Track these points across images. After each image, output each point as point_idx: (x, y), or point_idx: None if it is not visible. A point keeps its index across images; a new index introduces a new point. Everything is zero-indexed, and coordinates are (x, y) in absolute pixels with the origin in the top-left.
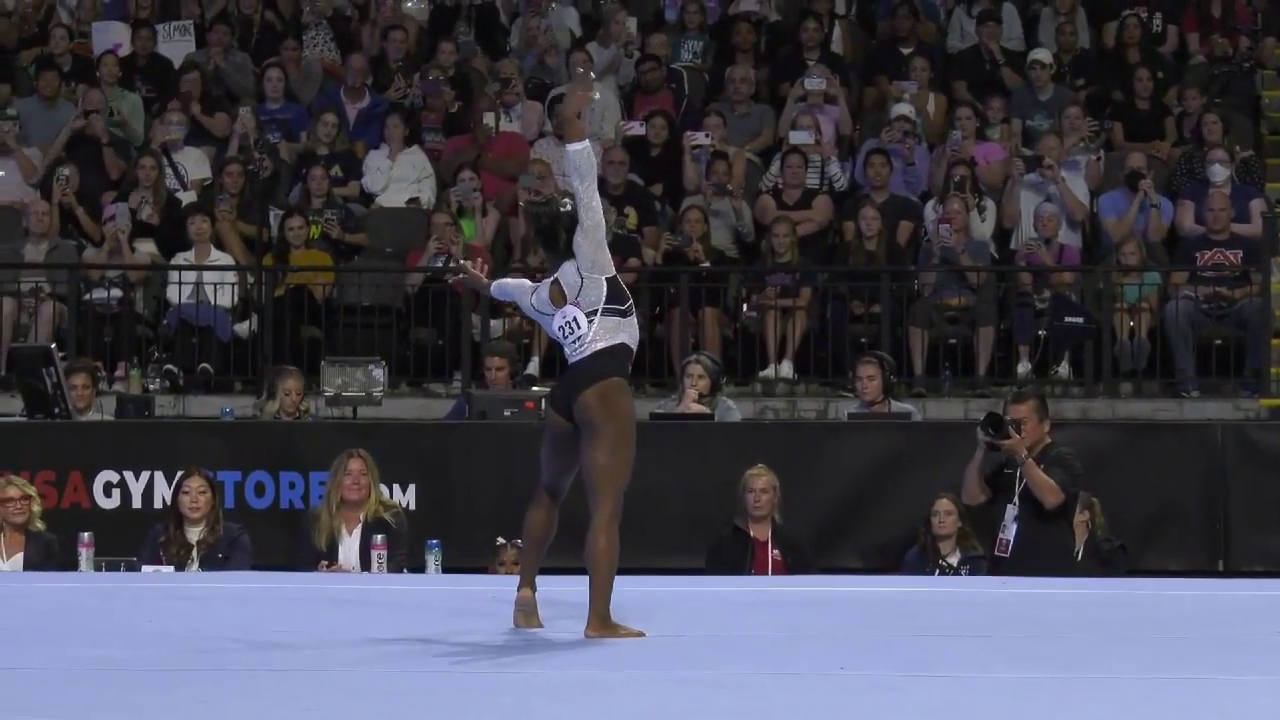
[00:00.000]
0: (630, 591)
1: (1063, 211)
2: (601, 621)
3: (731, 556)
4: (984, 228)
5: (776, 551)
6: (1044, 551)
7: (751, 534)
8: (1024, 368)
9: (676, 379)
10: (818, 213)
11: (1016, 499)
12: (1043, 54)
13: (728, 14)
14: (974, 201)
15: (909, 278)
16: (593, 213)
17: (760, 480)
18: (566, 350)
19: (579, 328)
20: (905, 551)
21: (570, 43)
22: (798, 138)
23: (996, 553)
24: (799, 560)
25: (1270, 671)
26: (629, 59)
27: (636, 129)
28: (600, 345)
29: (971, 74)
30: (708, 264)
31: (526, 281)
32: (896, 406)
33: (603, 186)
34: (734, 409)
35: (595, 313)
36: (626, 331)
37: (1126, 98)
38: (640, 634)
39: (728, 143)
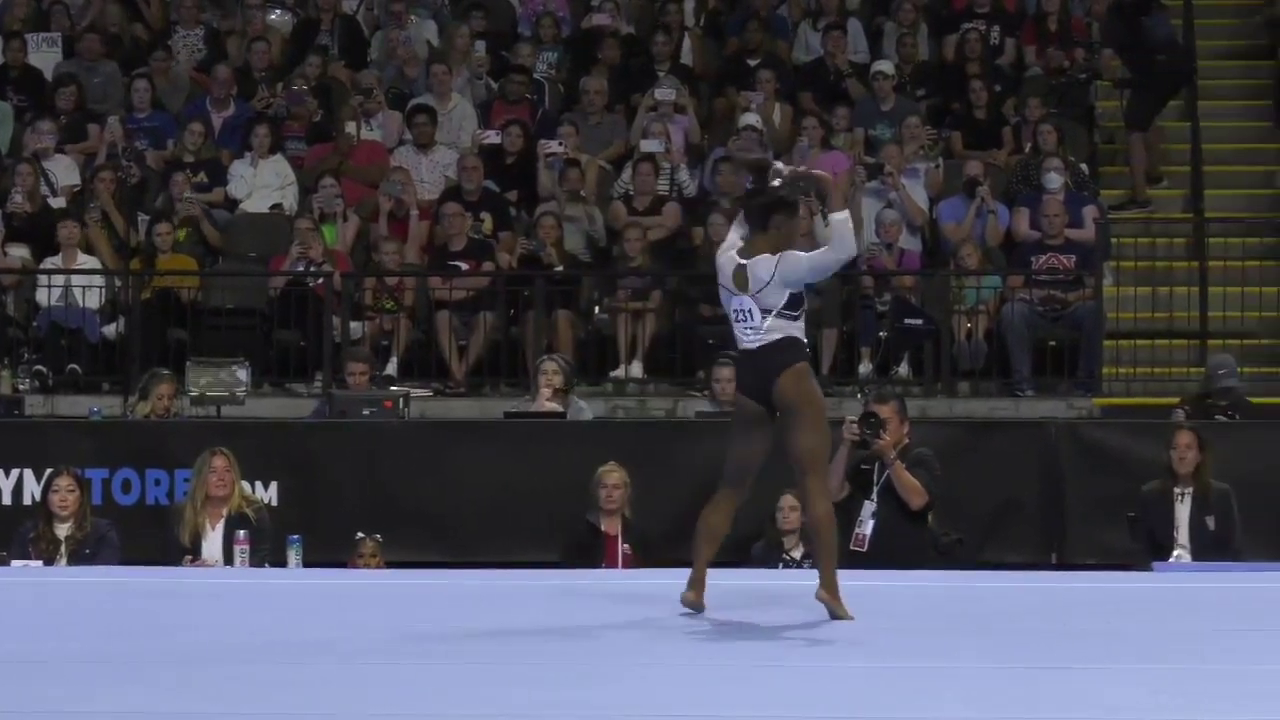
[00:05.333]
0: (483, 585)
1: (903, 217)
2: (830, 588)
3: (584, 550)
4: (828, 233)
5: (627, 546)
6: (902, 547)
7: (603, 528)
8: (865, 368)
9: (530, 380)
10: (668, 218)
11: (875, 495)
12: (885, 65)
13: (581, 27)
14: (818, 208)
15: None
16: (823, 266)
17: (612, 477)
18: (738, 331)
19: (754, 319)
20: (751, 546)
21: (428, 54)
22: (648, 146)
23: (853, 547)
24: (649, 554)
25: (1106, 661)
26: (479, 80)
27: (493, 138)
28: (777, 336)
29: (817, 85)
30: (561, 268)
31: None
32: None
33: (459, 193)
34: (586, 408)
35: (770, 312)
36: (797, 328)
37: (965, 108)
38: (850, 618)
39: (581, 151)
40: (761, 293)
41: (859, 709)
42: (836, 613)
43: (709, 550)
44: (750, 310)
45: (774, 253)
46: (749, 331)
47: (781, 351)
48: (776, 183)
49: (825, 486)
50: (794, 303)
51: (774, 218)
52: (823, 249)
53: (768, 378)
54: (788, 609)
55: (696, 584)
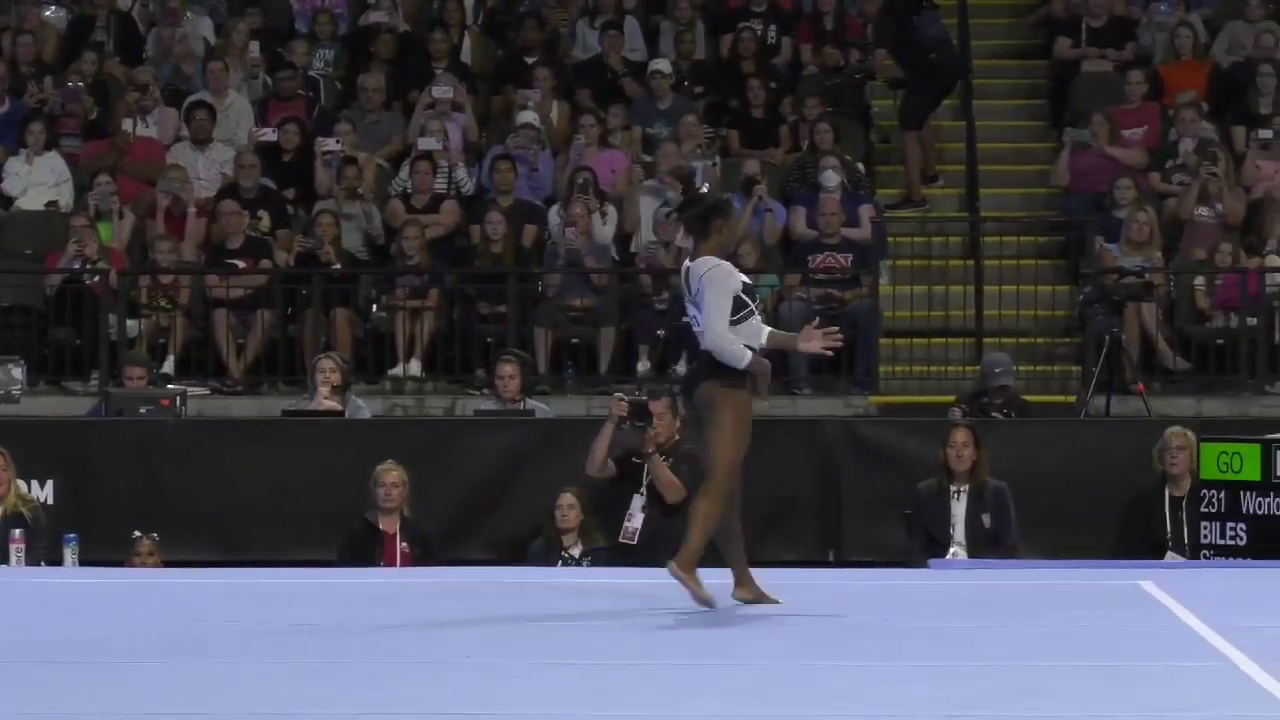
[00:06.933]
0: (260, 584)
1: None
2: (688, 565)
3: (362, 549)
4: (606, 231)
5: (405, 544)
6: (670, 541)
7: (381, 527)
8: (644, 366)
9: (308, 378)
10: (446, 216)
11: (644, 489)
12: (662, 64)
13: (358, 24)
14: (596, 205)
15: (534, 279)
16: (710, 329)
17: (390, 475)
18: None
19: (698, 324)
20: (529, 544)
21: (205, 50)
22: (426, 144)
23: (622, 539)
24: (427, 552)
25: (882, 658)
26: (254, 80)
27: (270, 135)
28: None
29: (594, 83)
30: (339, 266)
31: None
32: (529, 404)
33: (236, 191)
34: (364, 407)
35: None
36: (740, 333)
37: (742, 106)
38: (712, 604)
39: (359, 148)
40: (695, 296)
41: (628, 707)
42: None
43: (732, 548)
44: (695, 316)
45: (719, 254)
46: (697, 333)
47: (713, 361)
48: (704, 189)
49: (719, 484)
50: (730, 308)
51: (713, 222)
52: (720, 326)
53: (695, 382)
54: (565, 605)
55: (740, 581)
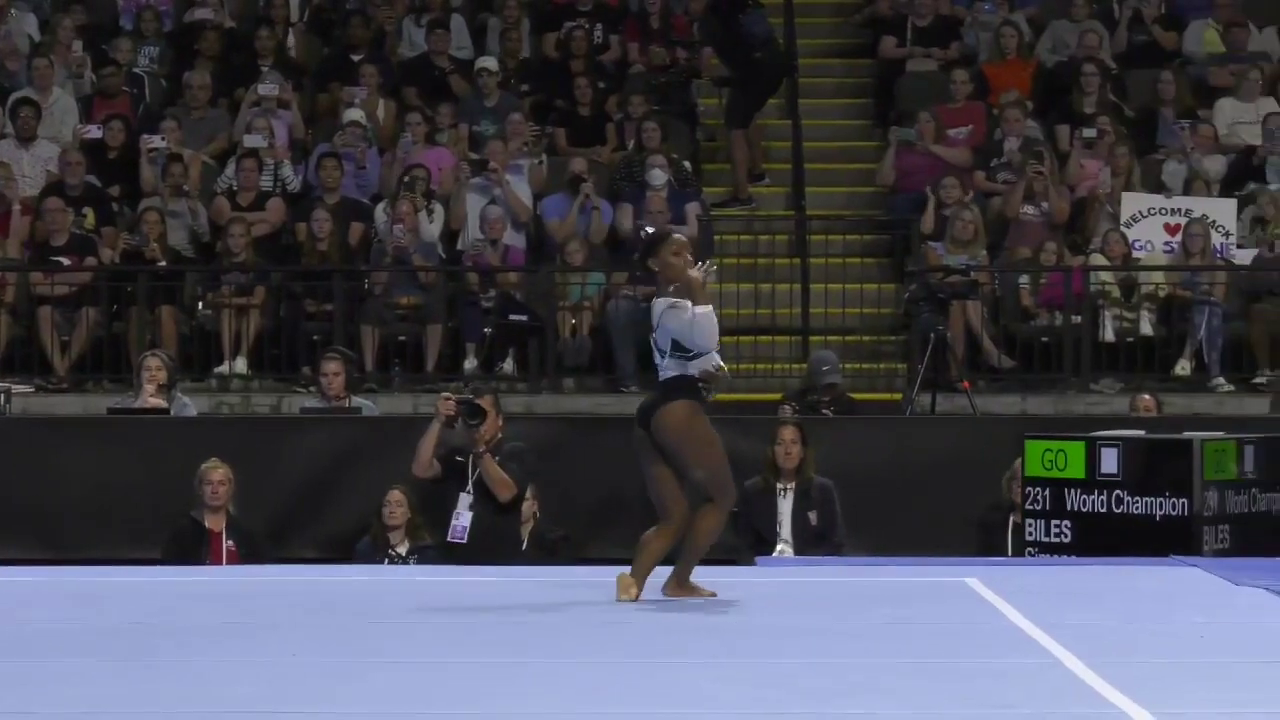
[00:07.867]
0: (84, 583)
1: (508, 213)
2: (679, 583)
3: (187, 547)
4: (433, 229)
5: (231, 542)
6: (497, 540)
7: (207, 525)
8: (471, 364)
9: (134, 376)
10: (272, 214)
11: (471, 486)
12: (489, 62)
13: (184, 21)
14: (423, 203)
15: (361, 277)
16: (690, 341)
17: (216, 473)
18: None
19: (657, 356)
20: (357, 541)
21: (29, 48)
22: (252, 141)
23: (451, 539)
24: (254, 550)
25: (706, 656)
26: (79, 79)
27: (94, 133)
28: (670, 374)
29: (421, 80)
30: (165, 264)
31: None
32: (355, 402)
33: (61, 188)
34: (190, 404)
35: (664, 353)
36: (692, 367)
37: (569, 104)
38: (712, 594)
39: (184, 145)
40: (655, 333)
41: (462, 704)
42: (700, 594)
43: (645, 560)
44: (654, 350)
45: (671, 290)
46: (658, 369)
47: (668, 391)
48: (646, 231)
49: (723, 510)
50: (682, 345)
51: (652, 259)
52: (694, 329)
53: (650, 414)
54: (392, 604)
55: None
